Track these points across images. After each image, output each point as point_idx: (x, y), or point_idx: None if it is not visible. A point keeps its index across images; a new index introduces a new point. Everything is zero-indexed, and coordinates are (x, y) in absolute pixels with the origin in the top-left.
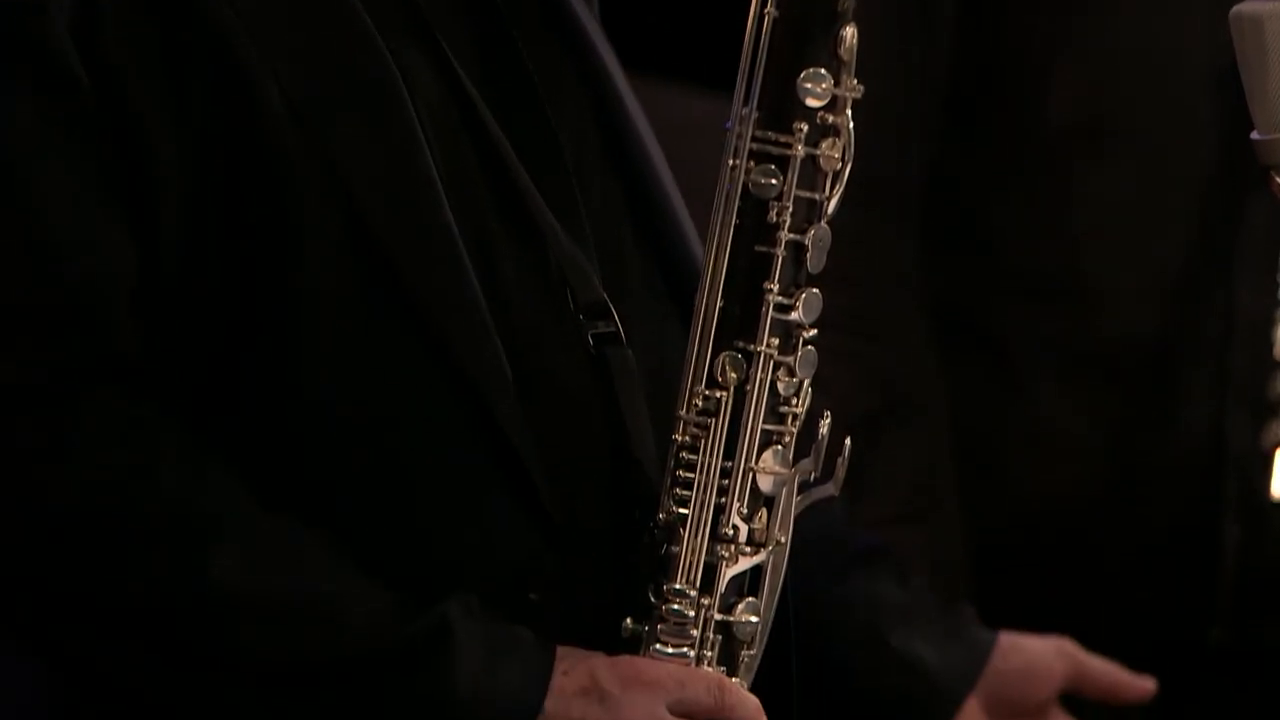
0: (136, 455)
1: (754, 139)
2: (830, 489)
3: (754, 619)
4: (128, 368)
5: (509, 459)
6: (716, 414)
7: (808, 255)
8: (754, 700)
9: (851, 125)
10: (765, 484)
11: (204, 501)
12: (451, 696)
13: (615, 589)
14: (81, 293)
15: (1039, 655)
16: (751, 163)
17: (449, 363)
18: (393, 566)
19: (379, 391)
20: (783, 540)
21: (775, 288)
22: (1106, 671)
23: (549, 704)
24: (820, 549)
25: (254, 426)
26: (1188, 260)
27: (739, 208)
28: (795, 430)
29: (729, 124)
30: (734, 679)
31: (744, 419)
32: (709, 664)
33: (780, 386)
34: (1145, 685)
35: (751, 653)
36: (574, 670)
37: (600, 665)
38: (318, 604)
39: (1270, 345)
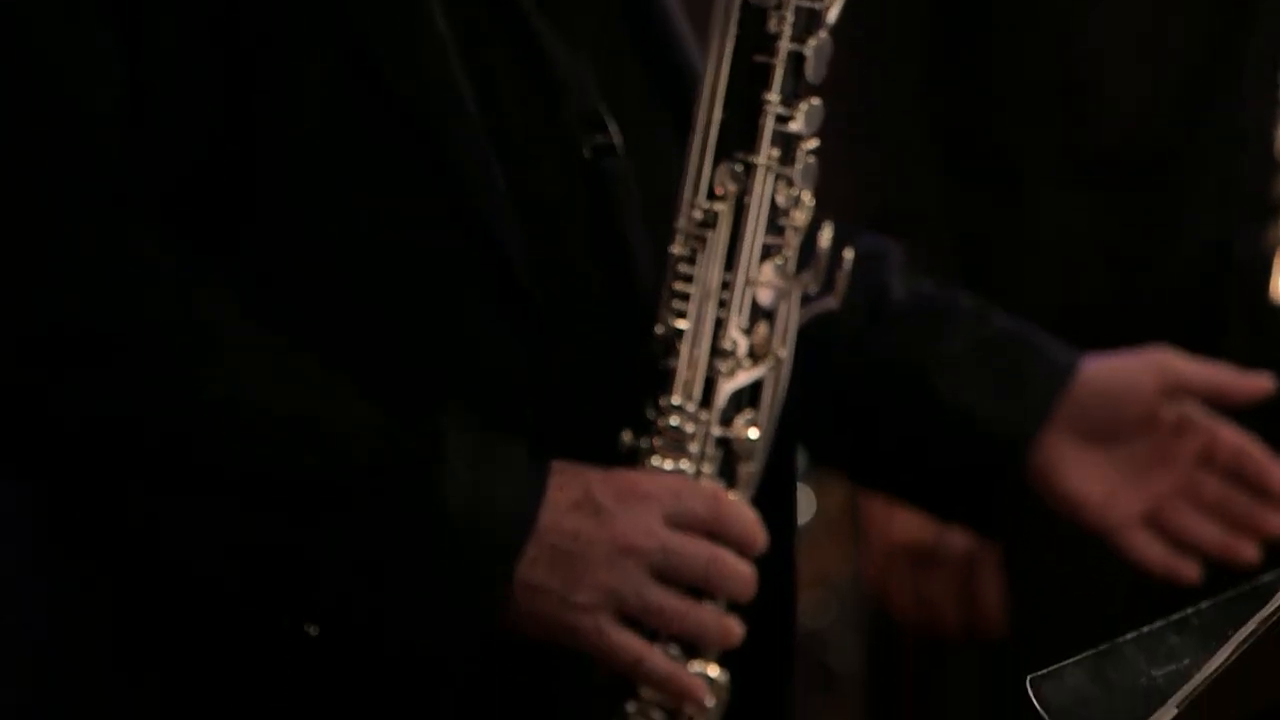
0: (128, 273)
1: None
2: (831, 301)
3: (754, 433)
4: (120, 189)
5: (503, 271)
6: (715, 226)
7: (808, 65)
8: (751, 513)
9: None
10: (765, 297)
11: (195, 319)
12: (444, 509)
13: (612, 404)
14: (74, 114)
15: (1124, 374)
16: None
17: (440, 171)
18: (386, 383)
19: (369, 202)
20: (783, 354)
21: (775, 98)
22: (1207, 374)
23: (543, 517)
24: (866, 305)
25: (244, 244)
26: (1192, 66)
27: (738, 18)
28: (796, 242)
29: None
30: (733, 493)
31: (743, 231)
32: (708, 479)
33: (780, 198)
34: (1260, 383)
35: (751, 467)
36: (569, 484)
37: (595, 479)
38: (309, 419)
39: (1272, 146)
